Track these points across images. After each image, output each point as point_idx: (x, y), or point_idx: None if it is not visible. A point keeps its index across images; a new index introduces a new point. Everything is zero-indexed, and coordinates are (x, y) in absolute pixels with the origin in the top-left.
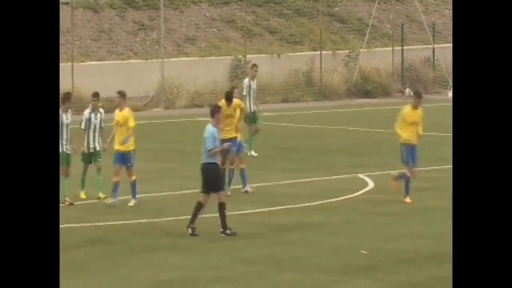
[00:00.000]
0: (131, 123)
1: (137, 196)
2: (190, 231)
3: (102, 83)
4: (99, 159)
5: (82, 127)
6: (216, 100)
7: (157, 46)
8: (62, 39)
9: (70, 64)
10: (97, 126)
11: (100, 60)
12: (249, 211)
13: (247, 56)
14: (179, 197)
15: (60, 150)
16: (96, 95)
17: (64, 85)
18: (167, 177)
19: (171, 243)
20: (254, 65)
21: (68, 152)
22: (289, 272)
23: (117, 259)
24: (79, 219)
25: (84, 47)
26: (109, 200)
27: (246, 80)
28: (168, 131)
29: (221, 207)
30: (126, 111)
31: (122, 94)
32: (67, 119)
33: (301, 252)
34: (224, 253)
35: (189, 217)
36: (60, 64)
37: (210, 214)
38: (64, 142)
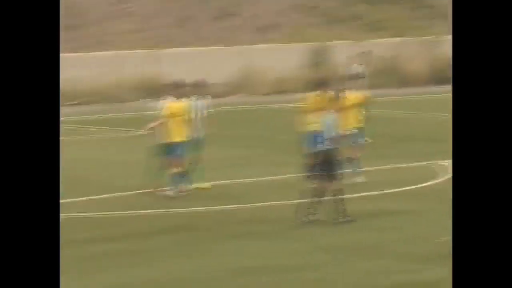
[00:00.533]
0: (185, 114)
1: (177, 186)
2: (309, 218)
3: (184, 69)
4: (200, 148)
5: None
6: (298, 88)
7: (239, 32)
8: (145, 25)
9: (152, 51)
10: (199, 114)
11: (182, 46)
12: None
13: (329, 42)
14: (262, 184)
15: (188, 136)
16: (197, 83)
17: (147, 71)
18: (250, 164)
19: (254, 229)
20: (367, 52)
21: (199, 137)
22: (370, 260)
23: (200, 246)
24: (164, 205)
25: (167, 34)
26: (170, 192)
27: (357, 67)
28: (250, 118)
29: (337, 193)
30: (181, 101)
31: (178, 85)
32: (196, 106)
33: (383, 239)
34: (305, 240)
35: (272, 203)
36: (144, 50)
37: (292, 201)
38: (194, 129)
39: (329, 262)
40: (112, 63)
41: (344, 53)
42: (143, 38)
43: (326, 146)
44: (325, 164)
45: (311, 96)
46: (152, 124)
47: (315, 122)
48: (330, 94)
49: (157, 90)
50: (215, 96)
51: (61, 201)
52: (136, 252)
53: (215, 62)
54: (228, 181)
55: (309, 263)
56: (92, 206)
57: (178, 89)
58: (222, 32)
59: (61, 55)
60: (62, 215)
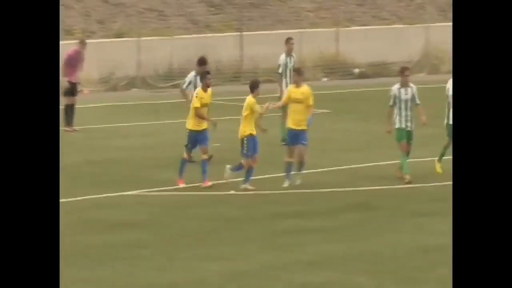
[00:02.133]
0: (311, 101)
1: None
2: None
3: (366, 48)
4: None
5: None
6: None
7: (421, 11)
8: (325, 4)
9: (335, 29)
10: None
11: (364, 25)
12: None
13: None
14: (445, 163)
15: (399, 126)
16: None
17: (329, 50)
18: (433, 143)
19: (437, 208)
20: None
21: (408, 128)
22: None
23: (383, 224)
24: (344, 184)
25: (349, 12)
26: (286, 183)
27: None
28: (430, 97)
29: None
30: (306, 88)
31: (299, 72)
32: (406, 94)
33: None
34: None
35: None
36: (325, 29)
37: None
38: (403, 119)
39: None
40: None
41: None
42: (323, 17)
43: None
44: None
45: None
46: (268, 105)
47: None
48: None
49: (335, 69)
50: (395, 75)
51: (254, 177)
52: (323, 229)
53: (397, 41)
54: (413, 160)
55: None
56: (279, 182)
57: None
58: (405, 10)
59: (244, 33)
60: (253, 193)
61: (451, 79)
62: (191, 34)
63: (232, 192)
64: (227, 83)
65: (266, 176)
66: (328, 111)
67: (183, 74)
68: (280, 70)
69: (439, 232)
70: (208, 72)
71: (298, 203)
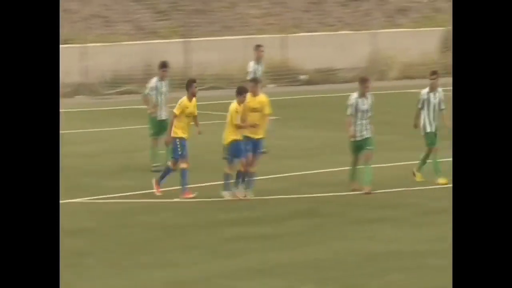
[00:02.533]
0: (268, 110)
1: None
2: None
3: (313, 54)
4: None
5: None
6: (427, 74)
7: (368, 17)
8: (272, 11)
9: (282, 35)
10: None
11: (311, 31)
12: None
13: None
14: (391, 170)
15: (359, 136)
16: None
17: (276, 56)
18: (380, 150)
19: (383, 215)
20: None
21: (367, 135)
22: None
23: (329, 231)
24: (291, 191)
25: (296, 18)
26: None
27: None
28: (380, 103)
29: None
30: (263, 97)
31: (256, 81)
32: (365, 104)
33: None
34: (437, 226)
35: (403, 189)
36: (271, 36)
37: (423, 187)
38: (364, 127)
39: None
40: (239, 48)
41: None
42: (270, 23)
43: None
44: None
45: None
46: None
47: None
48: None
49: (282, 75)
50: (342, 81)
51: (195, 185)
52: (269, 236)
53: (344, 47)
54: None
55: (441, 250)
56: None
57: None
58: (350, 17)
59: (190, 39)
60: (198, 200)
61: (427, 88)
62: (137, 41)
63: (177, 199)
64: (173, 90)
65: (212, 183)
66: (276, 117)
67: (129, 81)
68: (250, 77)
69: (387, 239)
70: (194, 81)
71: (244, 210)
